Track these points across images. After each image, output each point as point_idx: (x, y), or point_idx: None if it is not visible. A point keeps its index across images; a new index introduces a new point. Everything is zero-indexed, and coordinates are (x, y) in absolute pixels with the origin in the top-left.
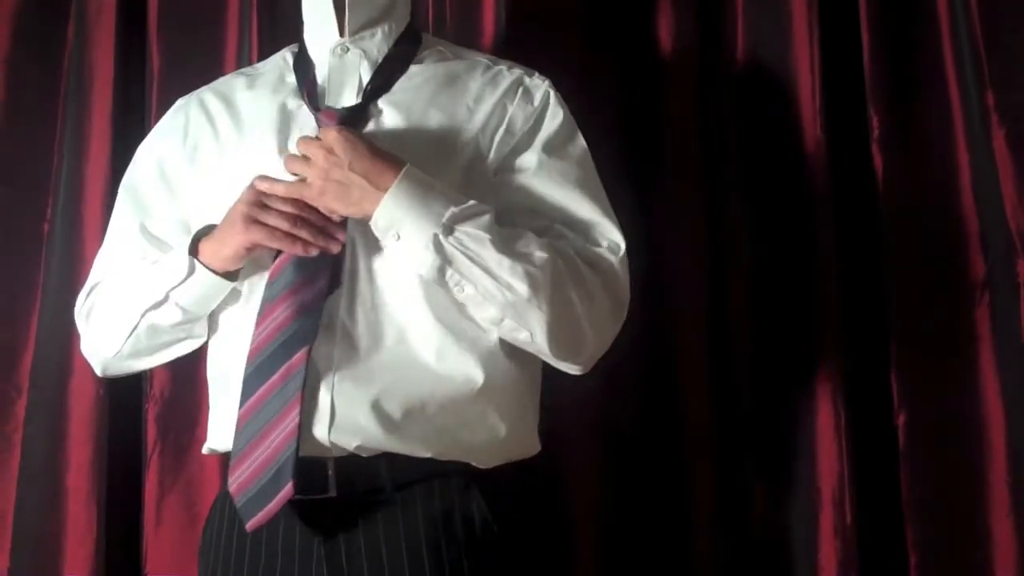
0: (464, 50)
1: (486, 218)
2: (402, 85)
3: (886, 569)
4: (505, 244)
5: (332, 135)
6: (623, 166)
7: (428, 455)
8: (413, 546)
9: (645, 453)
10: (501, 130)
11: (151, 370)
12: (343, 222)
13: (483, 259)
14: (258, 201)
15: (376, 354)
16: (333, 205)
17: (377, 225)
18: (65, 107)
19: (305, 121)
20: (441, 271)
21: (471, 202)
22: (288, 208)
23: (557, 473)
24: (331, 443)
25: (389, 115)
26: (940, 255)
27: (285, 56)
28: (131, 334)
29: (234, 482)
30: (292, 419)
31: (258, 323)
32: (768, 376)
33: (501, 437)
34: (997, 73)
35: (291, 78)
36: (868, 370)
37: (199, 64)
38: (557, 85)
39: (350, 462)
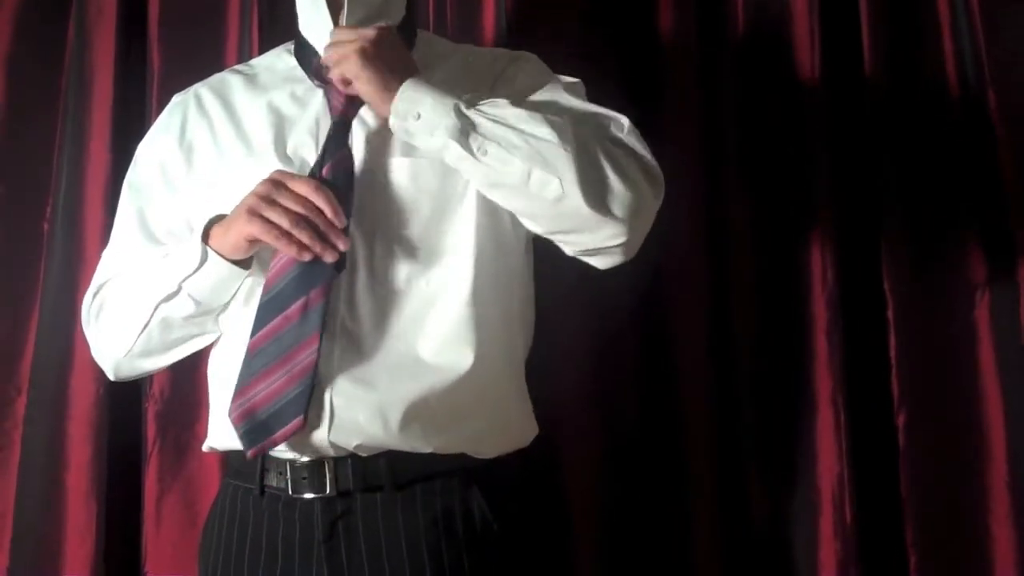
0: (461, 46)
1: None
2: None
3: (886, 569)
4: (523, 106)
5: (370, 31)
6: None
7: (429, 450)
8: (413, 545)
9: (645, 453)
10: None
11: None
12: (345, 230)
13: (504, 117)
14: (267, 194)
15: (376, 353)
16: (365, 74)
17: (397, 109)
18: (65, 106)
19: (301, 123)
20: (464, 133)
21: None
22: (294, 206)
23: (557, 472)
24: (330, 443)
25: None
26: (940, 255)
27: (281, 53)
28: (143, 330)
29: (236, 409)
30: (309, 355)
31: (273, 255)
32: (768, 376)
33: (499, 422)
34: (997, 74)
35: (290, 71)
36: (868, 370)
37: (199, 63)
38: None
39: (349, 461)
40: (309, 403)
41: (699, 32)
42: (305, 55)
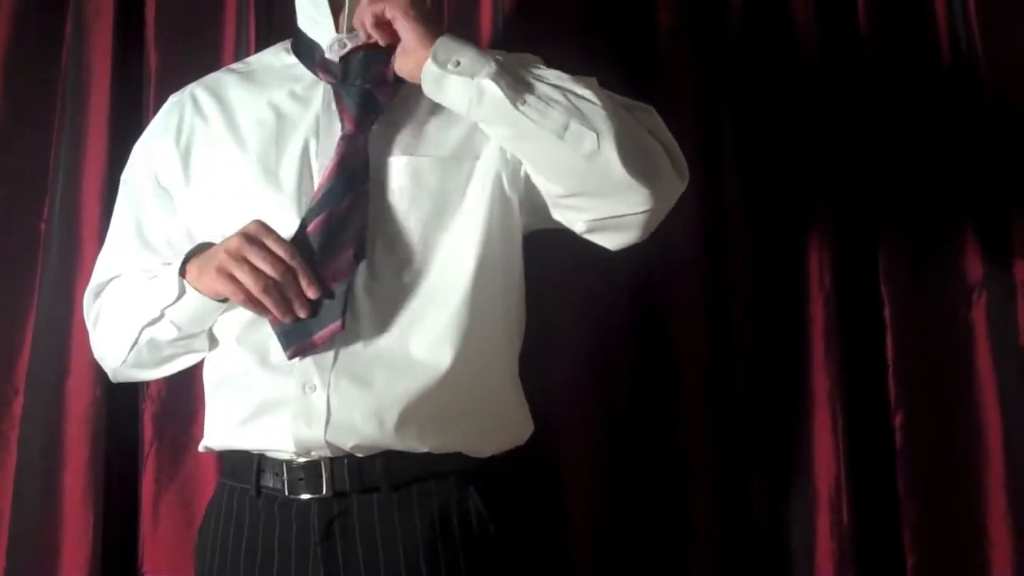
0: None
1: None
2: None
3: (883, 570)
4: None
5: None
6: None
7: (425, 450)
8: (410, 546)
9: (643, 453)
10: None
11: None
12: (316, 300)
13: (542, 75)
14: (238, 252)
15: (374, 352)
16: (413, 13)
17: (437, 54)
18: (62, 107)
19: (301, 122)
20: (503, 78)
21: None
22: (267, 268)
23: (555, 472)
24: (327, 443)
25: (410, 104)
26: (937, 255)
27: (278, 51)
28: (132, 348)
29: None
30: (348, 251)
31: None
32: (766, 376)
33: (494, 420)
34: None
35: (288, 69)
36: (865, 371)
37: (196, 64)
38: None
39: (346, 461)
40: (346, 307)
41: (696, 33)
42: (305, 49)
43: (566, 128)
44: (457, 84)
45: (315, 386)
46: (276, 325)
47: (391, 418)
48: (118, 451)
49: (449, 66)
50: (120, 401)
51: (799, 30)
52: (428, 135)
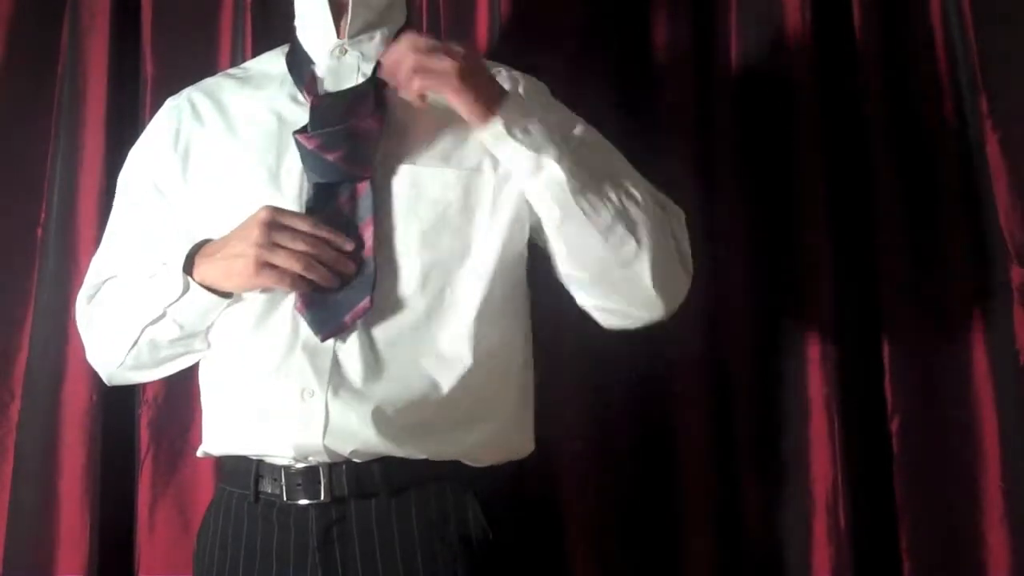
0: None
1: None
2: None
3: (880, 574)
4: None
5: (460, 48)
6: None
7: (424, 456)
8: (408, 552)
9: (639, 459)
10: None
11: None
12: (356, 255)
13: (606, 162)
14: (268, 241)
15: (374, 360)
16: (467, 88)
17: (506, 122)
18: (59, 112)
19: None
20: (565, 158)
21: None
22: (301, 246)
23: (552, 480)
24: (325, 448)
25: (393, 105)
26: (934, 260)
27: (276, 56)
28: (132, 348)
29: (300, 299)
30: (367, 238)
31: None
32: (762, 381)
33: (495, 434)
34: (990, 78)
35: (280, 76)
36: (861, 375)
37: (193, 70)
38: (550, 88)
39: (344, 467)
40: (374, 287)
41: (694, 41)
42: (298, 63)
43: (611, 229)
44: (522, 154)
45: (313, 392)
46: (305, 311)
47: (389, 425)
48: (115, 456)
49: (517, 133)
50: (117, 406)
51: (795, 43)
52: (436, 143)
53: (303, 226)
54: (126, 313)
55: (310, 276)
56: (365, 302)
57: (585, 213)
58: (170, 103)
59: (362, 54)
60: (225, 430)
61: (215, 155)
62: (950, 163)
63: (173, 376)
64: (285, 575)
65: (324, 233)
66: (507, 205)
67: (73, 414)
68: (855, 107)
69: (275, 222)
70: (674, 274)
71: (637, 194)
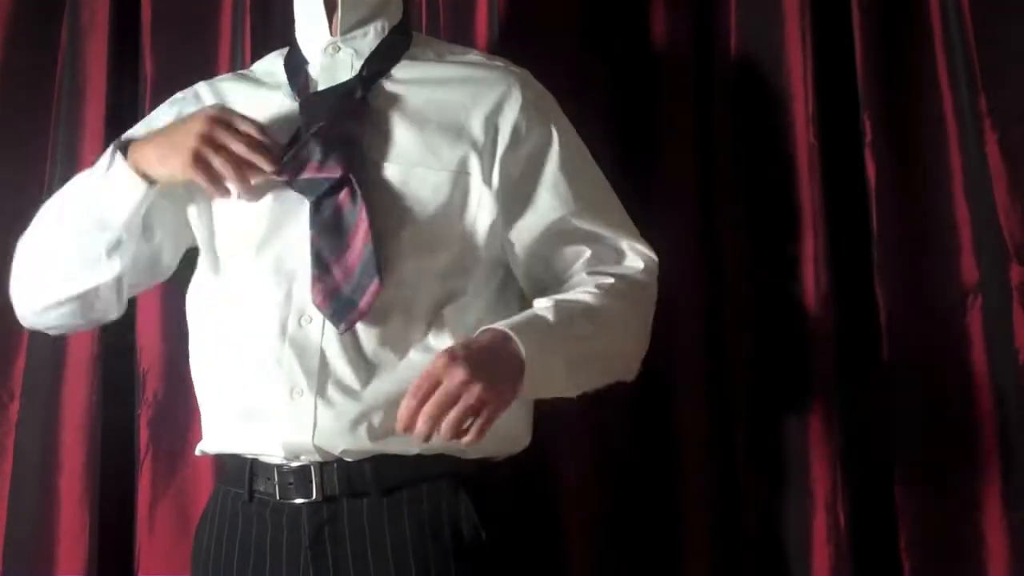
0: (456, 47)
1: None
2: (393, 79)
3: (879, 574)
4: (595, 332)
5: (443, 364)
6: (618, 169)
7: (415, 452)
8: (400, 551)
9: (638, 458)
10: (503, 139)
11: (144, 375)
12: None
13: (587, 355)
14: (211, 137)
15: (362, 356)
16: (495, 390)
17: (528, 388)
18: (58, 113)
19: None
20: (569, 380)
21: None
22: (240, 149)
23: (549, 479)
24: (315, 447)
25: (382, 102)
26: (932, 260)
27: (277, 58)
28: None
29: (318, 295)
30: (363, 223)
31: None
32: (760, 380)
33: None
34: (990, 77)
35: (283, 77)
36: (860, 374)
37: (192, 72)
38: (549, 87)
39: (335, 466)
40: (379, 268)
41: (694, 39)
42: (294, 64)
43: (595, 384)
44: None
45: (302, 391)
46: (323, 308)
47: (379, 421)
48: (114, 456)
49: (541, 392)
50: (116, 406)
51: (793, 43)
52: (424, 143)
53: (248, 129)
54: (50, 211)
55: (236, 186)
56: (375, 284)
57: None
58: (176, 96)
59: (355, 51)
60: (218, 429)
61: None
62: (949, 162)
63: (173, 376)
64: (278, 574)
65: (264, 140)
66: (488, 207)
67: (73, 414)
68: (854, 107)
69: (223, 120)
70: (641, 353)
71: (618, 340)
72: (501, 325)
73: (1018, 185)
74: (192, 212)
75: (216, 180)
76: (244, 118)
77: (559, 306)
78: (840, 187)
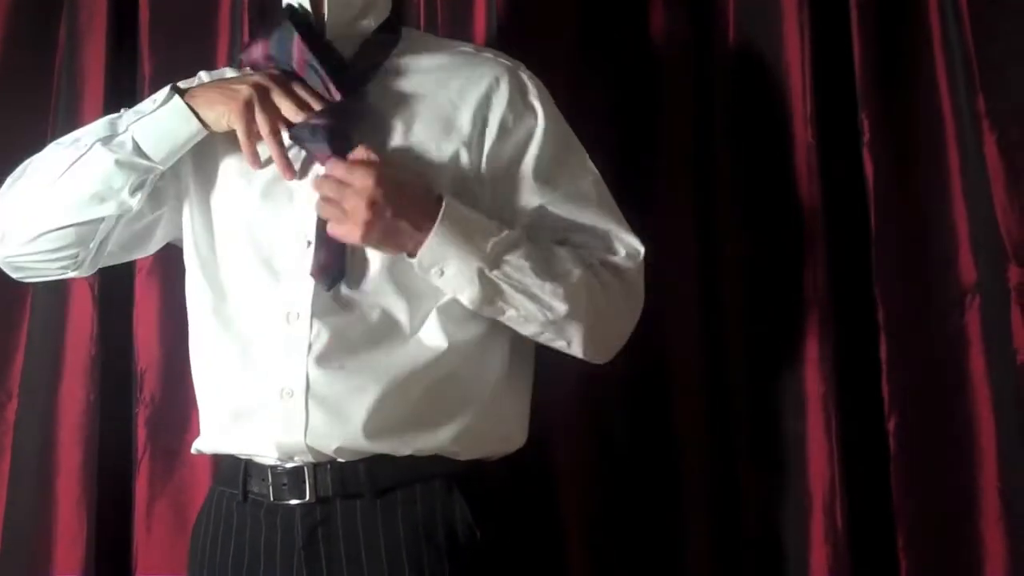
0: (447, 41)
1: (524, 247)
2: (382, 75)
3: (877, 574)
4: (544, 268)
5: (363, 164)
6: (616, 165)
7: (408, 452)
8: (393, 553)
9: (635, 457)
10: (491, 132)
11: (142, 374)
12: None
13: (526, 285)
14: (265, 91)
15: (352, 358)
16: (375, 245)
17: (421, 264)
18: (56, 111)
19: None
20: (488, 301)
21: (507, 232)
22: (289, 110)
23: (545, 478)
24: (308, 448)
25: (373, 99)
26: (930, 259)
27: None
28: (67, 171)
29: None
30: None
31: None
32: (759, 380)
33: (477, 427)
34: (988, 77)
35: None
36: (858, 374)
37: (190, 72)
38: (548, 84)
39: (328, 467)
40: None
41: (693, 33)
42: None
43: (541, 335)
44: (439, 281)
45: (292, 391)
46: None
47: (371, 422)
48: (112, 456)
49: (433, 271)
50: (113, 406)
51: (791, 42)
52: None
53: (302, 93)
54: (69, 143)
55: (268, 141)
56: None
57: (511, 322)
58: (181, 83)
59: (344, 49)
60: (213, 428)
61: (214, 145)
62: (947, 161)
63: (170, 375)
64: (271, 573)
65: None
66: (479, 200)
67: (70, 414)
68: (852, 107)
69: (280, 79)
70: (613, 335)
71: (561, 306)
72: (446, 192)
73: (1016, 185)
74: (186, 212)
75: (250, 131)
76: (303, 84)
77: (518, 235)
78: (838, 186)
